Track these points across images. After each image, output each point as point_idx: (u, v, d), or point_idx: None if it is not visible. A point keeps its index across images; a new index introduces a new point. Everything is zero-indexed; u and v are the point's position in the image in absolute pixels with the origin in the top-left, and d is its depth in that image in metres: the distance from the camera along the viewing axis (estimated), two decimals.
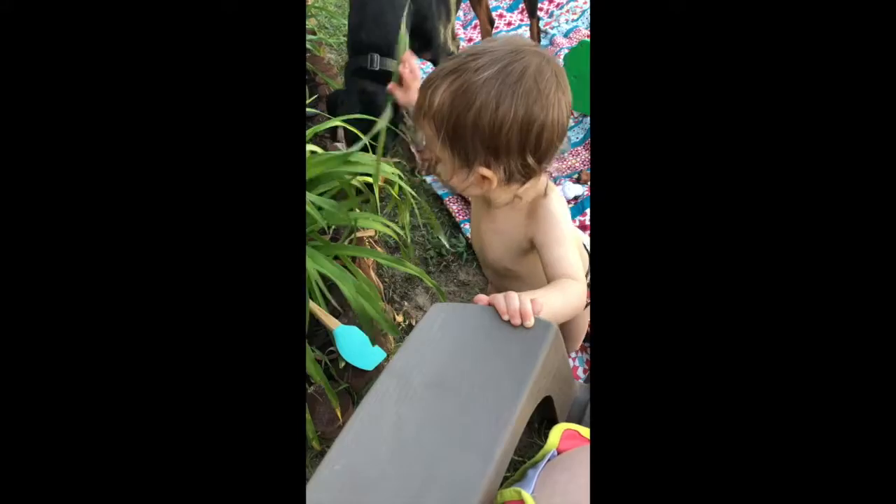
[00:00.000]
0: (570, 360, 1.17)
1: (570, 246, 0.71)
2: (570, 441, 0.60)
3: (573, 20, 2.45)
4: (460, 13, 2.57)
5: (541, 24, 2.15)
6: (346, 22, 1.52)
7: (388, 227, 1.09)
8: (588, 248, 0.90)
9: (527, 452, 0.81)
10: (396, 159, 1.84)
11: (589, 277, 0.84)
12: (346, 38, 1.56)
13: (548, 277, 0.70)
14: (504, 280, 0.88)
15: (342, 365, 1.06)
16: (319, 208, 0.95)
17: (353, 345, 1.03)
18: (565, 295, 0.65)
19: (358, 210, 1.11)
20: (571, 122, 1.77)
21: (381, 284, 1.27)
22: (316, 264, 0.91)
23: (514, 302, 0.59)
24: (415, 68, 0.86)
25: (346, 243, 1.13)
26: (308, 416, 0.94)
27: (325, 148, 1.44)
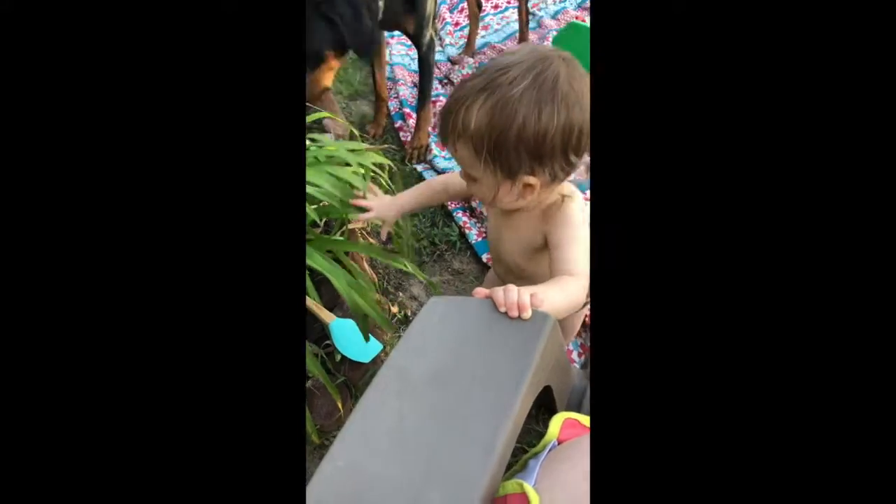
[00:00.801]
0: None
1: (582, 248, 0.71)
2: (571, 430, 0.60)
3: (560, 2, 2.42)
4: None
5: (528, 4, 2.13)
6: None
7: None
8: None
9: (524, 438, 0.81)
10: (387, 145, 1.83)
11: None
12: None
13: (551, 275, 0.70)
14: (512, 279, 0.88)
15: (339, 358, 1.06)
16: (316, 205, 0.93)
17: (349, 338, 1.02)
18: (565, 291, 0.65)
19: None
20: None
21: (374, 276, 1.27)
22: (308, 259, 0.90)
23: (511, 294, 0.59)
24: (377, 192, 0.95)
25: (338, 236, 1.13)
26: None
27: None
